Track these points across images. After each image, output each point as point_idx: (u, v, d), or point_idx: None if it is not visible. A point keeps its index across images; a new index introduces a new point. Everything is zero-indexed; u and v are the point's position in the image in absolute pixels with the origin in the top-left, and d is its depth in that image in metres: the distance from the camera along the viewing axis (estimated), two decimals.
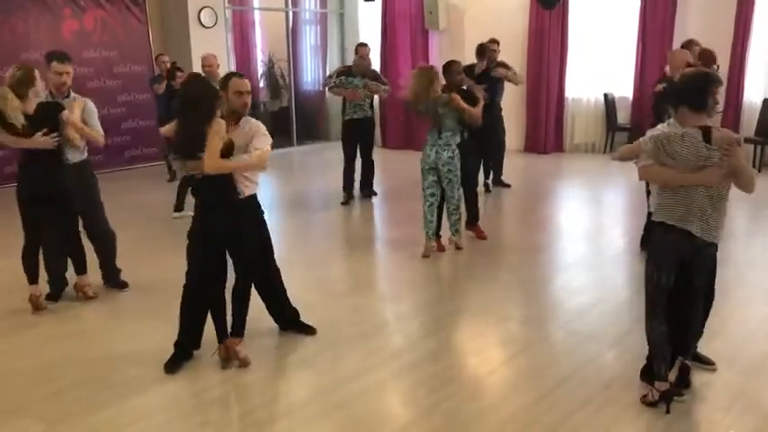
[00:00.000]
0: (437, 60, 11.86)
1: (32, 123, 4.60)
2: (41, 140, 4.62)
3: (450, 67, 6.11)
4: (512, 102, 11.13)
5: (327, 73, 9.17)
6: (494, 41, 8.37)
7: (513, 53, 11.13)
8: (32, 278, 4.90)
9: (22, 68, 4.70)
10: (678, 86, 3.41)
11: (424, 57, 11.86)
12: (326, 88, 8.39)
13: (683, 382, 3.58)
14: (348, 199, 8.13)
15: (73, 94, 5.19)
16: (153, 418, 3.54)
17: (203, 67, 7.52)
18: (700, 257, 3.46)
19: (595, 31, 10.98)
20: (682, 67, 5.44)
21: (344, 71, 8.20)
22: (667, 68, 6.34)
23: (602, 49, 11.00)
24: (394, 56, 12.02)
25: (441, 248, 6.22)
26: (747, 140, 9.67)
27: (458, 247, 6.21)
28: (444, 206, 6.11)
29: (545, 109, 11.25)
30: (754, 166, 9.46)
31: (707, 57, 6.84)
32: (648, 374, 3.62)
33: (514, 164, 9.53)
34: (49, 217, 4.86)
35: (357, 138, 8.16)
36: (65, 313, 4.95)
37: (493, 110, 8.04)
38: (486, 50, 8.12)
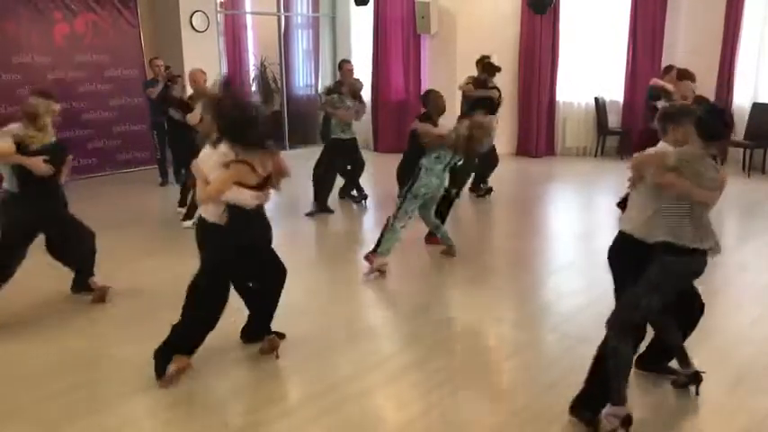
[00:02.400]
0: (429, 65, 11.92)
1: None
2: (41, 166, 4.66)
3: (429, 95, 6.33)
4: (503, 105, 11.18)
5: (319, 82, 8.91)
6: (488, 57, 8.50)
7: (504, 57, 11.17)
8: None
9: (50, 96, 4.98)
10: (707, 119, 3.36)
11: (415, 61, 11.91)
12: (321, 104, 8.28)
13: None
14: (321, 209, 7.90)
15: None
16: (143, 423, 3.54)
17: (191, 83, 7.44)
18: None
19: (586, 36, 11.06)
20: (689, 97, 5.79)
21: (334, 89, 8.08)
22: (669, 86, 6.65)
23: (592, 53, 11.07)
24: (386, 60, 12.05)
25: (436, 242, 6.33)
26: (737, 144, 9.77)
27: (453, 254, 6.18)
28: (430, 214, 6.07)
29: (536, 113, 11.30)
30: (743, 170, 9.54)
31: (686, 76, 7.26)
32: (586, 405, 3.41)
33: (506, 167, 9.55)
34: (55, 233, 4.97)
35: (344, 158, 8.05)
36: (61, 317, 4.93)
37: None
38: (498, 69, 8.24)
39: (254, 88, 13.86)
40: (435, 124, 6.09)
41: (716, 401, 3.63)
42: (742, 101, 10.06)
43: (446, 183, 5.95)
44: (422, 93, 7.39)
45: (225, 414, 3.67)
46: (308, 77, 13.62)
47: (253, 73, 13.88)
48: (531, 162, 11.04)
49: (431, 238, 6.48)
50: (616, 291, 3.63)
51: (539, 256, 6.46)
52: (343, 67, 8.29)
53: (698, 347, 4.00)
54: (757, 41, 9.92)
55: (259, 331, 4.28)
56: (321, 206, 7.86)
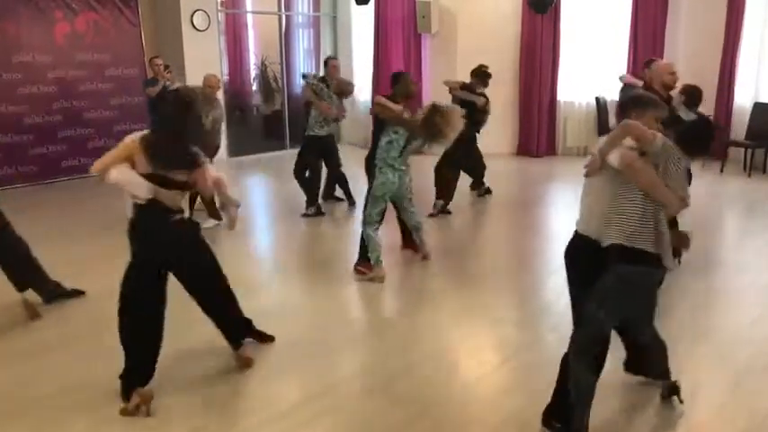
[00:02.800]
0: (430, 64, 11.92)
1: None
2: None
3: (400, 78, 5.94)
4: (504, 105, 11.20)
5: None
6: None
7: (505, 57, 11.19)
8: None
9: None
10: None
11: (416, 60, 11.90)
12: (305, 82, 7.87)
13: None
14: (318, 211, 7.80)
15: None
16: (139, 423, 3.54)
17: (206, 87, 7.37)
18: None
19: (587, 35, 11.05)
20: (665, 82, 5.38)
21: (323, 81, 7.79)
22: (638, 81, 6.25)
23: (593, 52, 11.07)
24: (387, 60, 12.04)
25: (414, 248, 6.15)
26: (738, 144, 9.77)
27: (427, 257, 6.05)
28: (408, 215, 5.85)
29: (537, 112, 11.30)
30: (744, 170, 9.54)
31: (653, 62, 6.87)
32: (556, 416, 3.31)
33: (507, 167, 9.56)
34: None
35: (321, 154, 7.80)
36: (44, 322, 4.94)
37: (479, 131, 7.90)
38: (489, 76, 7.91)
39: (254, 87, 13.87)
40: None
41: (716, 402, 3.63)
42: (743, 101, 10.06)
43: (406, 178, 5.56)
44: (422, 95, 7.23)
45: (225, 416, 3.68)
46: None
47: (253, 72, 13.89)
48: (532, 162, 11.04)
49: (408, 244, 6.24)
50: (573, 305, 3.40)
51: (539, 256, 6.46)
52: (329, 63, 8.07)
53: (697, 347, 4.01)
54: (758, 41, 9.93)
55: (231, 338, 4.09)
56: (316, 208, 7.77)
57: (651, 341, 3.43)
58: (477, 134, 7.89)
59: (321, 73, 9.04)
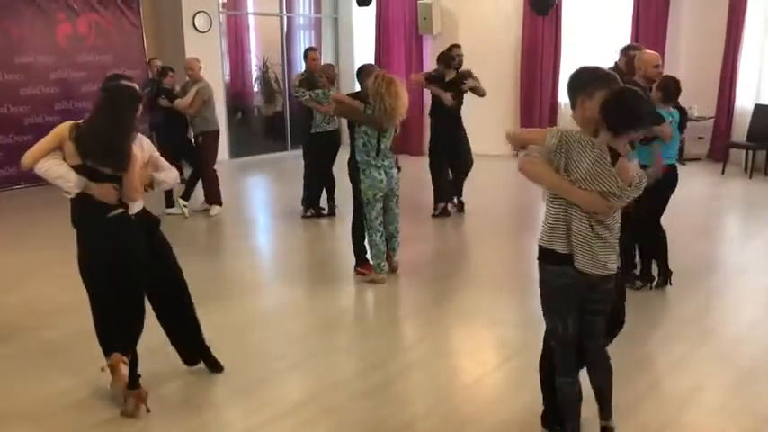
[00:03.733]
0: (431, 65, 11.90)
1: None
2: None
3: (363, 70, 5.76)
4: (505, 107, 11.21)
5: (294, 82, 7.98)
6: (456, 46, 7.87)
7: (506, 58, 11.21)
8: None
9: None
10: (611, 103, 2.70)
11: (418, 62, 11.92)
12: (297, 98, 7.67)
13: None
14: (320, 212, 7.71)
15: None
16: (138, 424, 3.55)
17: (187, 70, 7.66)
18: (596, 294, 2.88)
19: (588, 37, 11.04)
20: (646, 72, 5.13)
21: (311, 82, 7.54)
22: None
23: (594, 54, 11.03)
24: (388, 61, 12.05)
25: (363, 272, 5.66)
26: (739, 146, 9.77)
27: (395, 269, 5.70)
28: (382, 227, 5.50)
29: (538, 114, 11.30)
30: (745, 171, 9.53)
31: (634, 49, 6.12)
32: (553, 418, 3.23)
33: (506, 168, 9.52)
34: None
35: (327, 151, 7.60)
36: None
37: (459, 123, 7.60)
38: (452, 58, 7.55)
39: (256, 89, 13.88)
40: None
41: (717, 404, 3.63)
42: (744, 102, 10.06)
43: (393, 171, 5.38)
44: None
45: (225, 416, 3.68)
46: None
47: (255, 74, 13.90)
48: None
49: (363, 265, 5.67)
50: None
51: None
52: (308, 56, 7.86)
53: (699, 349, 4.01)
54: (759, 43, 9.92)
55: (188, 353, 3.89)
56: (318, 209, 7.73)
57: (595, 355, 3.03)
58: (458, 118, 7.56)
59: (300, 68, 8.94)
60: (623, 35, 10.66)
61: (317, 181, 7.72)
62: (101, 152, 3.32)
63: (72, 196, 3.37)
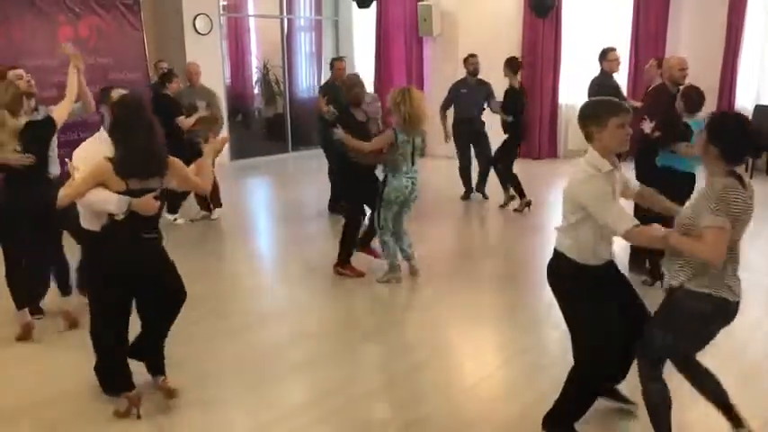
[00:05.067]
0: (431, 67, 11.94)
1: (23, 142, 4.42)
2: (14, 158, 4.39)
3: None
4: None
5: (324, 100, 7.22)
6: (472, 55, 8.54)
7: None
8: (23, 303, 4.63)
9: (12, 84, 4.54)
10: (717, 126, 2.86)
11: (418, 64, 11.93)
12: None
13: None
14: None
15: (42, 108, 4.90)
16: (140, 426, 3.55)
17: (191, 74, 7.48)
18: None
19: (588, 38, 11.05)
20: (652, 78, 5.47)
21: (329, 88, 7.57)
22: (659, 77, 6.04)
23: (595, 55, 11.04)
24: (388, 63, 12.08)
25: (377, 255, 5.98)
26: None
27: (416, 273, 5.82)
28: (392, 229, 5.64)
29: (539, 115, 11.32)
30: (746, 171, 9.54)
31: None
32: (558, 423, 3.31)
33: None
34: (35, 235, 4.53)
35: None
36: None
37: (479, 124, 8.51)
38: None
39: (256, 91, 13.90)
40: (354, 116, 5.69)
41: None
42: (744, 103, 10.07)
43: (418, 179, 5.55)
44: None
45: (231, 417, 3.69)
46: (310, 80, 13.66)
47: (255, 76, 13.92)
48: (533, 164, 11.05)
49: (366, 247, 6.08)
50: None
51: (541, 258, 6.44)
52: (335, 65, 7.89)
53: (700, 352, 4.00)
54: (759, 44, 9.95)
55: (149, 352, 3.83)
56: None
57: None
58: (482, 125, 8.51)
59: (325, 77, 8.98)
60: (623, 38, 10.70)
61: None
62: (142, 165, 3.37)
63: (122, 217, 3.34)
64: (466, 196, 8.69)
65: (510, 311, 5.10)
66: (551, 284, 3.27)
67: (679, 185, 4.78)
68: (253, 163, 11.79)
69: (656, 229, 2.92)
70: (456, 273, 6.00)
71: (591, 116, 3.00)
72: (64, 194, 3.40)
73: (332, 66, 8.02)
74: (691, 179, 5.02)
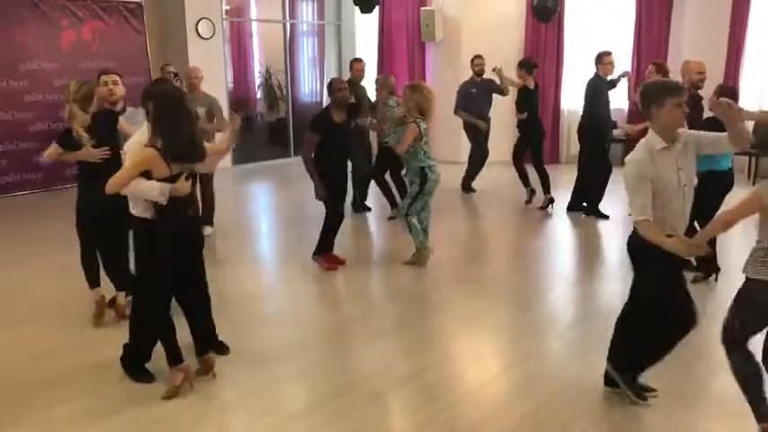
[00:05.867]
0: (433, 72, 11.94)
1: (92, 135, 4.55)
2: (91, 152, 4.51)
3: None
4: (507, 112, 11.19)
5: (324, 90, 7.97)
6: (478, 57, 9.06)
7: (509, 65, 11.18)
8: (94, 281, 4.81)
9: (87, 83, 4.75)
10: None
11: (420, 69, 11.94)
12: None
13: None
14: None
15: (129, 109, 5.07)
16: (141, 425, 3.55)
17: (192, 78, 7.40)
18: None
19: (591, 43, 11.05)
20: (691, 80, 5.82)
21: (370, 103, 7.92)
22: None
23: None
24: (391, 68, 12.06)
25: (341, 262, 6.19)
26: (742, 153, 9.74)
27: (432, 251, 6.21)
28: (411, 218, 6.02)
29: (541, 120, 11.28)
30: (748, 177, 9.53)
31: (661, 70, 7.17)
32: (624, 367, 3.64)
33: (508, 173, 9.52)
34: (106, 231, 4.68)
35: (391, 162, 7.58)
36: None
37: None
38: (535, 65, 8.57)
39: (259, 95, 13.92)
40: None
41: (729, 405, 3.61)
42: (747, 108, 10.03)
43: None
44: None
45: (233, 420, 3.68)
46: (313, 85, 13.69)
47: (258, 80, 13.95)
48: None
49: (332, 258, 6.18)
50: None
51: (543, 263, 6.44)
52: (354, 66, 8.30)
53: (705, 352, 4.00)
54: (763, 49, 9.93)
55: (198, 346, 4.02)
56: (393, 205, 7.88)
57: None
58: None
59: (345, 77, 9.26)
60: (626, 41, 10.69)
61: (360, 179, 8.11)
62: (189, 149, 3.66)
63: (165, 202, 3.59)
64: (529, 200, 8.64)
65: (512, 317, 5.08)
66: (630, 257, 3.60)
67: (724, 183, 5.26)
68: (255, 168, 11.80)
69: (659, 234, 3.22)
70: (458, 278, 5.96)
71: (651, 96, 3.25)
72: (112, 183, 3.57)
73: (351, 66, 8.50)
74: (731, 173, 5.36)
